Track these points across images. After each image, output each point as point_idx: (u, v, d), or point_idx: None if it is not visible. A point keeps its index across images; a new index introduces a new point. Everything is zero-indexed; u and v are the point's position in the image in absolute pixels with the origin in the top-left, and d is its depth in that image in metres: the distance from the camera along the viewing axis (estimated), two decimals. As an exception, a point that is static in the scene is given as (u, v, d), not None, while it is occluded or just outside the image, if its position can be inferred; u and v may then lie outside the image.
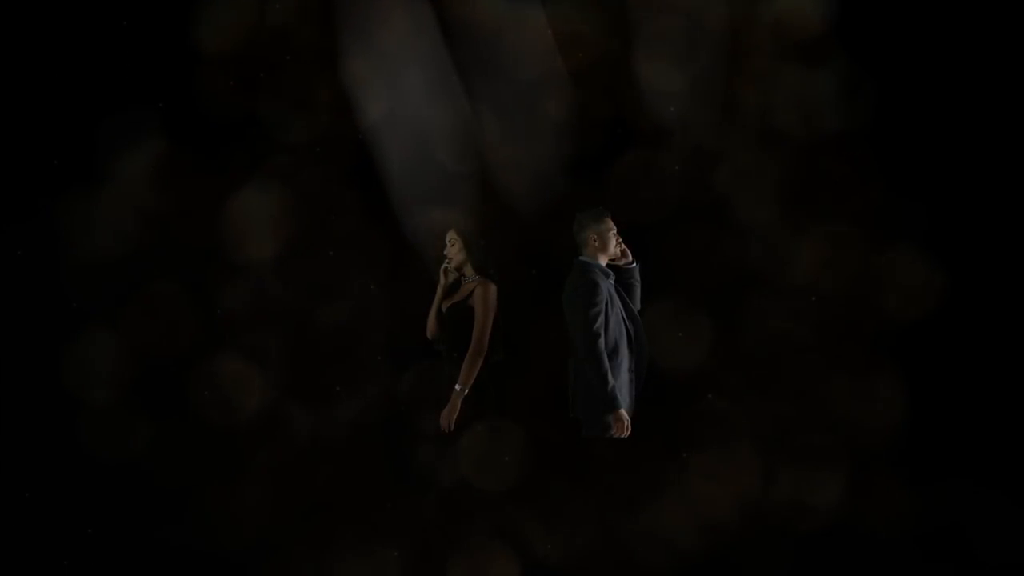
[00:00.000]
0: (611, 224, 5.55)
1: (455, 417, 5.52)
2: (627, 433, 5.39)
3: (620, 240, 5.58)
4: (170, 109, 5.88)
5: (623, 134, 5.99)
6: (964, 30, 5.82)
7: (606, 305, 5.43)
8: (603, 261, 5.56)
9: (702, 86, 5.92)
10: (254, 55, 5.93)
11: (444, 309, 5.66)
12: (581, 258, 5.56)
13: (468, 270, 5.67)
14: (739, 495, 5.70)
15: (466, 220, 5.76)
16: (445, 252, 5.70)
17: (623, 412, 5.37)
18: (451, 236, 5.68)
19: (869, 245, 5.81)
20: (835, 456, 5.71)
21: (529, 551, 5.63)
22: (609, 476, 5.65)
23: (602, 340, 5.38)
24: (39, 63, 5.89)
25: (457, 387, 5.52)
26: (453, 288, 5.71)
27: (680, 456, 5.77)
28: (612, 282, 5.54)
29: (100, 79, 5.85)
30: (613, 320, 5.46)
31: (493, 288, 5.61)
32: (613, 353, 5.42)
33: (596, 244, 5.54)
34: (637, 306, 5.61)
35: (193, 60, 5.85)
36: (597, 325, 5.38)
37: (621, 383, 5.42)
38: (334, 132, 5.98)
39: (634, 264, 5.63)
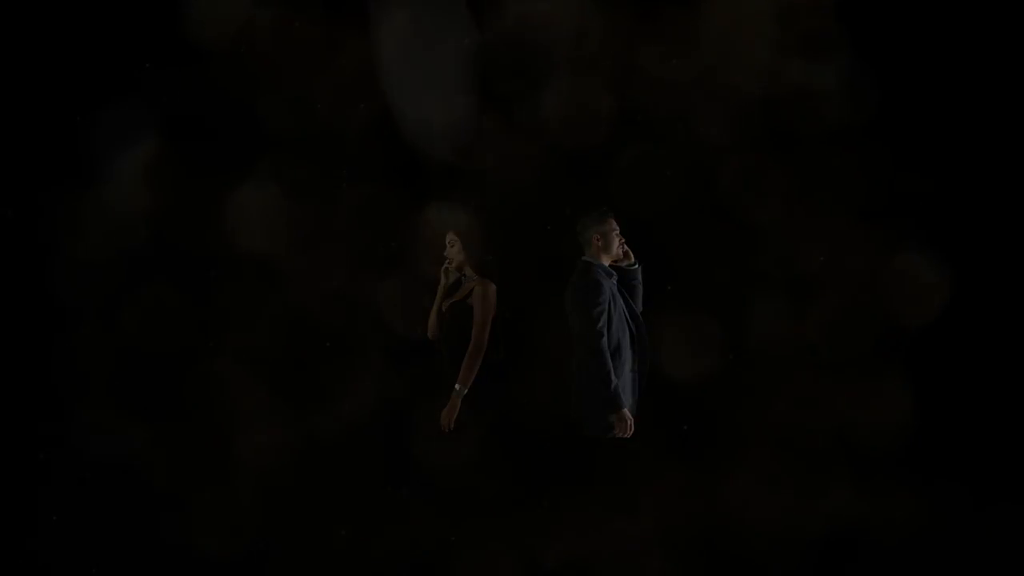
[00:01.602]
0: (614, 225, 5.56)
1: (455, 417, 5.51)
2: (630, 433, 5.39)
3: (623, 241, 5.59)
4: (167, 104, 5.86)
5: (627, 132, 6.00)
6: (970, 24, 5.86)
7: (609, 304, 5.44)
8: (606, 262, 5.57)
9: (706, 81, 5.94)
10: (251, 49, 5.92)
11: (444, 308, 5.66)
12: (584, 258, 5.57)
13: (468, 270, 5.67)
14: (742, 497, 5.71)
15: (466, 220, 5.75)
16: (445, 253, 5.69)
17: (626, 412, 5.37)
18: (451, 237, 5.67)
19: (876, 245, 5.83)
20: (840, 459, 5.72)
21: (529, 552, 5.62)
22: (611, 476, 5.64)
23: (605, 339, 5.38)
24: (36, 59, 5.87)
25: (457, 387, 5.50)
26: (453, 288, 5.70)
27: (679, 455, 5.77)
28: (615, 282, 5.55)
29: (97, 74, 5.84)
30: (616, 319, 5.46)
31: (493, 287, 5.60)
32: (616, 353, 5.42)
33: (599, 244, 5.55)
34: (639, 308, 5.61)
35: (190, 54, 5.85)
36: (600, 324, 5.38)
37: (624, 383, 5.42)
38: (333, 128, 5.97)
39: (636, 265, 5.63)
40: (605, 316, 5.41)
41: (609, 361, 5.36)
